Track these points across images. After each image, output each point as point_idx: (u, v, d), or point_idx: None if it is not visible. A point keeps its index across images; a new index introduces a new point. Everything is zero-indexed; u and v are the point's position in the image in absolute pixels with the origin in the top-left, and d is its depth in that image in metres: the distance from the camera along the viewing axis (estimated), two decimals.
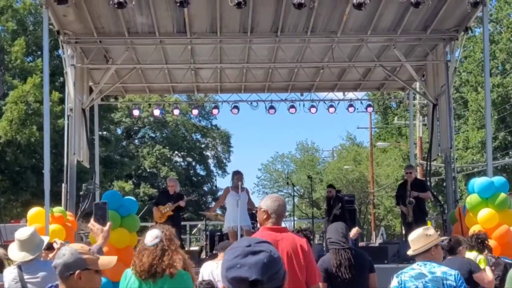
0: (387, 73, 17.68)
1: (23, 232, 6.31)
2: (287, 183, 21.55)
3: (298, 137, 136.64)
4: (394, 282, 5.95)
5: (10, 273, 6.25)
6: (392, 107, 44.40)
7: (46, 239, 6.59)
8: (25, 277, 6.09)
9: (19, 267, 6.19)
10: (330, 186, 17.94)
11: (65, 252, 4.05)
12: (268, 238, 4.59)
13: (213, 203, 50.19)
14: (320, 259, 7.76)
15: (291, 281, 5.83)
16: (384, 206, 45.28)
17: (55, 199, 15.85)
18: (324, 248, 11.73)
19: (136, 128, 50.61)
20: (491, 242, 10.26)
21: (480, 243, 9.31)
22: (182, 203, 14.81)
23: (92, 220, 5.23)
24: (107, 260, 4.17)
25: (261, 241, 2.47)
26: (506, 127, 34.50)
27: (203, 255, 15.31)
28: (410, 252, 6.12)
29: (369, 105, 20.52)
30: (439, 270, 5.88)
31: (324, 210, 17.24)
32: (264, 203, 6.11)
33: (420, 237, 6.02)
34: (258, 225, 7.35)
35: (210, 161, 54.95)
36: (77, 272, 3.97)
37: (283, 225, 6.30)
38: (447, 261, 8.12)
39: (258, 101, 19.61)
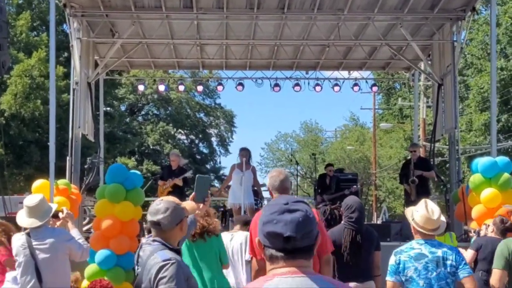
0: (393, 52, 17.64)
1: (32, 199, 6.36)
2: (291, 160, 21.53)
3: (302, 117, 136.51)
4: (392, 260, 5.89)
5: (19, 239, 6.31)
6: (396, 88, 44.30)
7: (54, 206, 6.64)
8: (33, 243, 6.16)
9: (28, 233, 6.26)
10: (331, 165, 17.80)
11: (168, 206, 4.36)
12: None
13: (216, 181, 50.40)
14: (329, 230, 7.84)
15: None
16: (386, 187, 45.33)
17: (59, 174, 15.89)
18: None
19: (140, 105, 50.60)
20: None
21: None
22: (178, 181, 14.80)
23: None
24: (191, 207, 4.45)
25: (298, 200, 2.57)
26: (509, 110, 34.43)
27: None
28: (420, 229, 5.86)
29: (374, 85, 20.50)
30: (440, 249, 5.81)
31: (316, 186, 17.04)
32: (267, 181, 6.24)
33: (438, 218, 5.87)
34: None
35: (213, 139, 55.05)
36: (183, 220, 4.34)
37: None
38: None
39: (263, 79, 19.59)
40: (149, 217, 4.41)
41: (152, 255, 4.27)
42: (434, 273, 5.68)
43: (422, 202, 6.02)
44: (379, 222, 25.51)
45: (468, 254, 8.13)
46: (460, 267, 5.74)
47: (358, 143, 50.10)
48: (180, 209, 4.45)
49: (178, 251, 4.40)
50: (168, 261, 4.17)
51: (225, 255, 7.65)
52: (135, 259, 4.56)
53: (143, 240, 4.54)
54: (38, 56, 30.78)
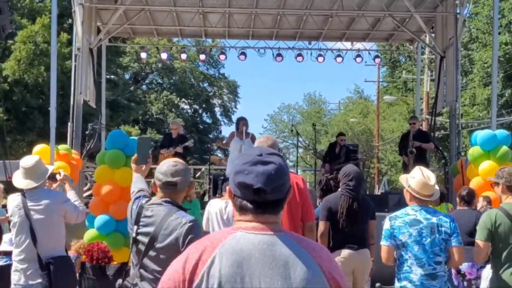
0: (396, 24, 17.59)
1: (28, 160, 6.39)
2: (291, 131, 21.48)
3: (305, 89, 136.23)
4: (387, 224, 5.85)
5: (14, 200, 6.36)
6: (401, 61, 44.12)
7: (50, 168, 6.66)
8: (29, 204, 6.20)
9: (23, 194, 6.30)
10: (343, 134, 17.68)
11: (184, 168, 4.52)
12: None
13: (218, 150, 50.52)
14: (324, 197, 7.90)
15: (286, 216, 5.95)
16: (388, 160, 45.37)
17: (61, 140, 15.98)
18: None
19: (144, 73, 50.55)
20: (492, 194, 10.25)
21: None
22: (179, 149, 14.87)
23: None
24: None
25: (273, 153, 2.50)
26: None
27: (206, 198, 15.45)
28: (416, 194, 5.81)
29: (376, 56, 20.43)
30: (435, 216, 5.79)
31: (324, 154, 16.96)
32: (255, 146, 6.26)
33: (434, 184, 5.84)
34: None
35: (217, 109, 55.01)
36: (192, 183, 4.50)
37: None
38: (458, 212, 8.22)
39: (265, 48, 19.55)
40: (165, 178, 4.44)
41: (170, 215, 4.33)
42: (429, 239, 5.67)
43: (416, 168, 5.98)
44: (379, 193, 25.52)
45: None
46: (454, 235, 5.74)
47: (362, 116, 50.01)
48: (189, 173, 4.56)
49: (185, 211, 4.49)
50: (195, 222, 4.32)
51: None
52: (131, 220, 4.57)
53: (142, 201, 4.57)
54: (42, 22, 30.70)
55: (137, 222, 4.51)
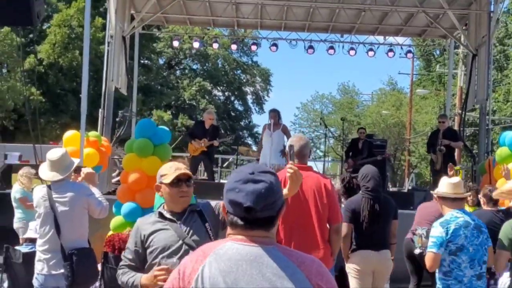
0: (429, 20, 17.47)
1: (54, 153, 6.50)
2: (320, 123, 21.49)
3: (339, 79, 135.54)
4: (438, 231, 5.84)
5: (40, 191, 6.49)
6: (436, 54, 43.71)
7: (76, 161, 6.77)
8: (54, 196, 6.33)
9: (49, 186, 6.43)
10: (363, 128, 17.73)
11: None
12: None
13: (249, 138, 50.56)
14: (348, 199, 7.93)
15: (314, 218, 6.02)
16: (418, 153, 45.08)
17: (94, 124, 16.19)
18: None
19: (178, 59, 50.73)
20: None
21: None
22: (216, 143, 14.91)
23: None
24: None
25: (265, 170, 2.55)
26: None
27: None
28: (454, 195, 5.93)
29: (409, 51, 20.32)
30: (475, 218, 5.96)
31: (346, 149, 16.95)
32: (287, 144, 6.30)
33: (462, 183, 5.98)
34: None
35: (249, 97, 55.00)
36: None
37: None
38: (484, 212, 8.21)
39: (297, 40, 19.56)
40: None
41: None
42: (480, 239, 5.80)
43: (442, 178, 6.17)
44: (405, 190, 25.40)
45: None
46: (489, 236, 5.90)
47: (395, 108, 49.67)
48: None
49: (162, 214, 4.39)
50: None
51: None
52: None
53: None
54: (77, 6, 31.00)
55: None
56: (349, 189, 8.52)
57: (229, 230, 2.55)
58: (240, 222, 2.49)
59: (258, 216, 2.47)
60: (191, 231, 4.24)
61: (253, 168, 2.56)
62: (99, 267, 8.44)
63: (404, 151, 43.95)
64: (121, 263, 4.34)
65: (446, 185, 5.93)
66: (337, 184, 9.35)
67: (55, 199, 6.30)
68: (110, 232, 10.46)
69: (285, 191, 4.96)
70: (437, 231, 5.84)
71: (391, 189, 22.62)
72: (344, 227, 7.33)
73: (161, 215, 4.33)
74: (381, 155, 15.98)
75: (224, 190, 2.55)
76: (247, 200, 2.44)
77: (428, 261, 5.94)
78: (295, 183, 4.64)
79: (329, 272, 2.58)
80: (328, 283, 2.50)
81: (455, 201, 5.91)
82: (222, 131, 15.79)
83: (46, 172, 6.43)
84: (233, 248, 2.46)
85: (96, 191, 6.68)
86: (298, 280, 2.41)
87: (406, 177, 39.95)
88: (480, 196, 8.70)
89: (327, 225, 6.19)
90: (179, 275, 2.49)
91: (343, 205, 8.15)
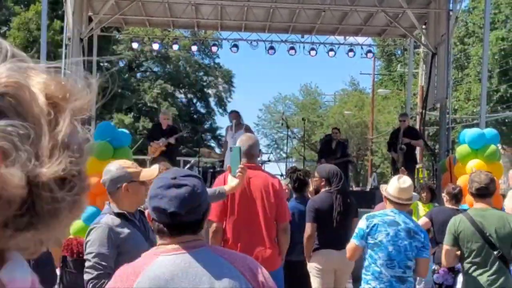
0: (389, 19, 17.54)
1: None
2: (282, 124, 21.36)
3: (301, 80, 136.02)
4: (363, 223, 5.87)
5: None
6: (397, 54, 44.10)
7: None
8: None
9: None
10: (337, 128, 17.63)
11: (112, 168, 4.37)
12: None
13: (212, 140, 50.40)
14: (311, 199, 7.90)
15: (261, 217, 5.99)
16: (381, 153, 45.43)
17: None
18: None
19: (138, 61, 50.36)
20: None
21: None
22: (172, 140, 14.78)
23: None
24: (149, 172, 4.40)
25: (188, 174, 2.54)
26: (508, 80, 34.35)
27: None
28: (397, 200, 5.86)
29: (369, 51, 20.42)
30: (411, 223, 5.90)
31: (319, 148, 16.90)
32: (236, 144, 6.26)
33: (411, 188, 5.97)
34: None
35: (211, 99, 54.82)
36: (124, 185, 4.27)
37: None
38: (443, 209, 8.22)
39: (258, 41, 19.53)
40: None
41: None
42: (405, 242, 5.72)
43: (395, 176, 6.16)
44: (368, 189, 25.56)
45: (421, 221, 8.24)
46: (426, 247, 5.84)
47: (357, 108, 49.99)
48: (124, 173, 4.35)
49: (124, 215, 4.30)
50: (95, 225, 4.20)
51: None
52: None
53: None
54: (35, 9, 30.64)
55: None
56: (299, 184, 8.49)
57: (158, 240, 2.53)
58: (165, 229, 2.47)
59: (184, 221, 2.45)
60: (149, 230, 4.23)
61: (175, 173, 2.55)
62: (58, 271, 8.28)
63: (367, 151, 44.24)
64: (98, 272, 4.08)
65: (394, 188, 5.89)
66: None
67: None
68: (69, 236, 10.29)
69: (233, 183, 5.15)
70: (361, 223, 5.90)
71: (354, 189, 22.70)
72: (308, 227, 7.33)
73: (123, 217, 4.28)
74: (349, 156, 16.00)
75: (147, 198, 2.54)
76: (170, 205, 2.42)
77: (348, 251, 6.03)
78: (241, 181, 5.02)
79: (262, 267, 2.56)
80: (263, 276, 2.48)
81: (398, 204, 5.88)
82: (180, 130, 15.61)
83: None
84: (165, 261, 2.42)
85: None
86: (235, 277, 2.40)
87: (369, 177, 40.22)
88: (443, 194, 8.74)
89: (275, 224, 6.15)
90: None
91: (292, 200, 8.18)
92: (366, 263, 5.89)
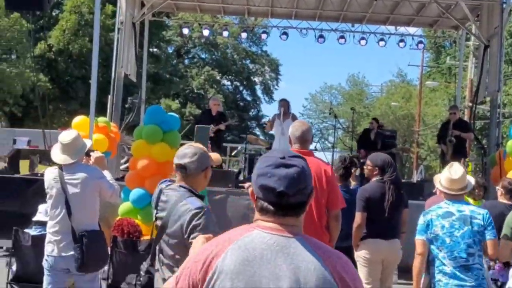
0: (441, 10, 17.33)
1: (66, 136, 6.43)
2: (329, 113, 21.28)
3: (348, 70, 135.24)
4: (421, 220, 5.91)
5: (51, 172, 6.46)
6: (446, 46, 43.53)
7: (88, 144, 6.70)
8: (65, 177, 6.30)
9: (60, 167, 6.39)
10: (375, 119, 17.51)
11: (196, 151, 4.44)
12: None
13: (257, 128, 50.48)
14: (361, 188, 7.86)
15: (313, 204, 5.91)
16: (427, 146, 44.97)
17: (103, 111, 16.18)
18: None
19: (187, 48, 50.65)
20: None
21: None
22: (222, 127, 14.92)
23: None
24: (216, 157, 4.54)
25: (295, 155, 2.50)
26: None
27: (241, 177, 15.49)
28: (448, 191, 5.90)
29: (420, 42, 20.18)
30: (467, 208, 5.84)
31: (358, 139, 16.77)
32: (290, 130, 6.28)
33: (463, 178, 5.91)
34: None
35: (258, 87, 54.91)
36: (208, 168, 4.45)
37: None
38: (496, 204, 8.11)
39: (308, 29, 19.45)
40: (176, 160, 4.45)
41: (180, 201, 4.29)
42: (461, 231, 5.70)
43: (447, 166, 6.09)
44: (415, 180, 25.34)
45: None
46: (488, 228, 5.77)
47: (404, 100, 49.53)
48: (207, 157, 4.50)
49: (202, 198, 4.42)
50: (200, 209, 4.19)
51: None
52: (153, 203, 4.60)
53: (163, 185, 4.58)
54: None
55: (156, 206, 4.54)
56: (346, 171, 8.44)
57: (257, 215, 2.49)
58: (271, 208, 2.43)
59: (290, 201, 2.42)
60: None
61: (283, 152, 2.50)
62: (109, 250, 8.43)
63: (413, 143, 43.82)
64: None
65: (445, 179, 5.90)
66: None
67: (67, 181, 6.27)
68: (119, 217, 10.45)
69: None
70: (420, 219, 5.92)
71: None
72: (358, 217, 7.28)
73: (201, 199, 4.42)
74: (396, 149, 15.81)
75: (253, 176, 2.49)
76: (280, 185, 2.39)
77: (417, 247, 5.95)
78: None
79: (355, 269, 2.52)
80: (352, 278, 2.44)
81: (450, 195, 5.88)
82: (229, 118, 15.75)
83: (57, 154, 6.39)
84: (259, 237, 2.40)
85: (107, 174, 6.64)
86: (323, 275, 2.35)
87: (414, 170, 39.86)
88: (498, 187, 8.62)
89: (326, 211, 6.14)
90: (200, 258, 2.45)
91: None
92: (431, 257, 5.90)
